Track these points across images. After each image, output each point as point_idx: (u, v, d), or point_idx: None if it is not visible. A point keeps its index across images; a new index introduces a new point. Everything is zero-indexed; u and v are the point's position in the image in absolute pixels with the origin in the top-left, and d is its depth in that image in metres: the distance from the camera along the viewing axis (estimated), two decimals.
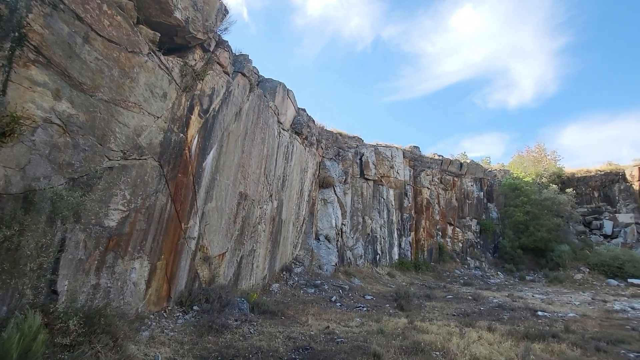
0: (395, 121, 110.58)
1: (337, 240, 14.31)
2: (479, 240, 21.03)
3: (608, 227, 21.98)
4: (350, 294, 10.76)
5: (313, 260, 12.78)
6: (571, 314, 8.90)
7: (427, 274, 16.70)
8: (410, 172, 19.30)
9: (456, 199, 20.81)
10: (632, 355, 5.25)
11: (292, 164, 11.42)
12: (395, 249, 17.08)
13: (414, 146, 21.77)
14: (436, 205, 19.61)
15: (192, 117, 6.38)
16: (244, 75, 8.24)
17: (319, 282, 11.14)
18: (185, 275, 6.42)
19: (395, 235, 17.31)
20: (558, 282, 16.40)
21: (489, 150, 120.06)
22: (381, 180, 17.35)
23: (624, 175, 23.53)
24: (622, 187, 23.30)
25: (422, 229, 18.49)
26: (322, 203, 14.57)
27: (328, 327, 6.30)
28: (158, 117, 5.53)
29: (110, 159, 4.65)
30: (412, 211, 18.60)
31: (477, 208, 21.87)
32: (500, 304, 10.05)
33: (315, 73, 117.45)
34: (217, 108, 7.13)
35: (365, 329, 6.40)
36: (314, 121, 14.19)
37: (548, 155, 29.18)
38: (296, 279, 11.02)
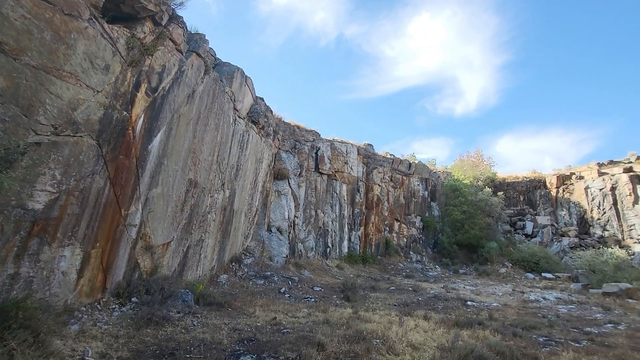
0: (352, 118, 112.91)
1: (289, 233, 14.27)
2: (421, 236, 22.36)
3: (529, 227, 24.66)
4: (299, 286, 10.82)
5: (264, 252, 12.63)
6: (495, 304, 9.84)
7: (374, 267, 17.37)
8: (363, 168, 19.83)
9: (404, 197, 21.85)
10: (541, 339, 5.95)
11: (247, 154, 11.10)
12: (345, 243, 17.51)
13: (368, 144, 22.38)
14: (386, 201, 20.42)
15: (138, 94, 5.87)
16: (199, 55, 7.77)
17: (269, 273, 11.05)
18: (124, 265, 5.95)
19: (346, 229, 17.73)
20: (486, 275, 18.05)
21: (435, 153, 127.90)
22: (335, 175, 17.60)
23: (544, 182, 26.52)
24: (542, 193, 26.26)
25: (371, 224, 19.16)
26: (275, 195, 14.41)
27: (275, 318, 6.27)
28: (98, 92, 4.99)
29: (37, 134, 4.10)
30: (363, 206, 19.16)
31: (422, 206, 23.19)
32: (436, 295, 10.79)
33: (276, 63, 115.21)
34: (167, 88, 6.64)
35: (311, 319, 6.48)
36: (271, 111, 13.91)
37: (485, 161, 31.87)
38: (246, 270, 10.80)
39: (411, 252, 20.88)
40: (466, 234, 21.70)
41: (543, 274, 17.79)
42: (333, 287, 11.27)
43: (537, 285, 15.27)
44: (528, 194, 27.13)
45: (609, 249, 17.83)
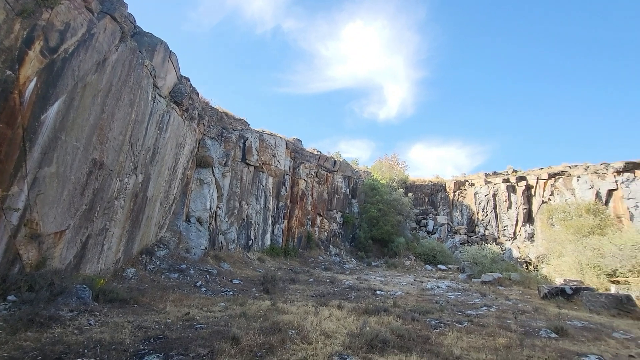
0: (283, 112, 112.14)
1: (210, 224, 13.56)
2: (341, 230, 23.46)
3: (430, 225, 27.86)
4: (217, 279, 10.38)
5: (180, 243, 11.77)
6: (399, 293, 10.87)
7: (295, 260, 17.63)
8: (290, 162, 19.88)
9: (327, 193, 22.59)
10: (433, 322, 6.78)
11: (166, 136, 10.15)
12: (268, 235, 17.38)
13: (297, 139, 22.52)
14: (310, 196, 20.84)
15: (30, 52, 4.88)
16: (114, 19, 6.80)
17: (185, 266, 10.34)
18: None
19: (270, 222, 17.60)
20: (394, 267, 19.84)
21: (358, 153, 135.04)
22: (262, 167, 17.29)
23: (445, 187, 30.21)
24: (443, 196, 29.88)
25: (295, 218, 19.36)
26: (197, 183, 13.52)
27: (188, 313, 5.90)
28: None
29: None
30: (288, 200, 19.24)
31: (343, 202, 24.30)
32: (350, 286, 11.46)
33: (208, 45, 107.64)
34: (70, 50, 5.66)
35: (228, 313, 6.27)
36: (198, 94, 12.98)
37: (400, 164, 34.86)
38: (158, 263, 9.92)
39: (331, 246, 21.76)
40: (380, 230, 23.50)
41: (439, 266, 20.30)
42: (253, 280, 11.10)
43: (434, 275, 17.36)
44: (432, 196, 30.60)
45: (488, 245, 21.22)
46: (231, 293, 8.79)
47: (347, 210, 24.60)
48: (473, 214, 27.56)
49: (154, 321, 5.18)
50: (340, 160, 25.81)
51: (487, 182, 27.60)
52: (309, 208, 20.70)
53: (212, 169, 14.19)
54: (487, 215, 26.79)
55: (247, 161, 16.31)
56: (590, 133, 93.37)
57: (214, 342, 4.29)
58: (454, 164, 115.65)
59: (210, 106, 15.45)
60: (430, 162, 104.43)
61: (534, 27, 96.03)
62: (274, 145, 18.15)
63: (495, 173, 28.43)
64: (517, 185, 26.11)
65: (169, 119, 10.20)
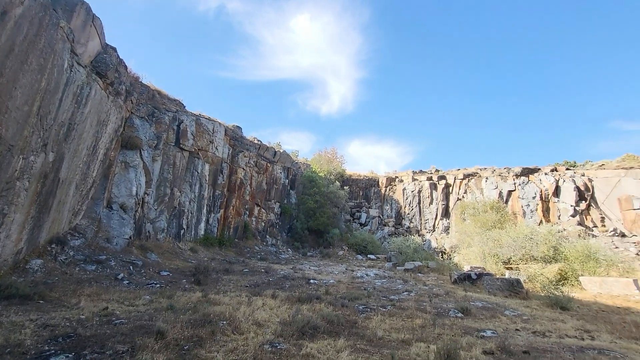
0: (224, 97, 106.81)
1: (136, 211, 12.40)
2: (278, 221, 23.41)
3: (363, 217, 29.37)
4: (143, 271, 9.60)
5: (100, 232, 10.57)
6: (331, 281, 11.31)
7: (230, 250, 17.12)
8: (229, 150, 19.10)
9: (266, 183, 22.29)
10: (360, 307, 7.22)
11: (85, 111, 8.94)
12: (202, 225, 16.55)
13: (237, 126, 21.70)
14: (248, 186, 20.33)
15: None
16: None
17: (104, 257, 9.34)
18: None
19: (205, 210, 16.76)
20: (328, 257, 20.53)
21: (299, 145, 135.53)
22: (198, 153, 16.31)
23: (378, 182, 32.01)
24: (375, 190, 31.65)
25: (232, 207, 18.74)
26: (122, 166, 12.22)
27: (107, 308, 5.37)
28: None
29: None
30: (225, 189, 18.52)
31: (282, 193, 24.24)
32: (285, 275, 11.56)
33: (141, 16, 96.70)
34: None
35: (153, 306, 5.87)
36: (126, 67, 11.67)
37: (338, 158, 35.91)
38: (72, 253, 8.79)
39: (267, 236, 21.60)
40: (316, 221, 24.04)
41: (369, 256, 21.56)
42: (184, 271, 10.51)
43: (364, 264, 18.39)
44: (366, 190, 32.21)
45: (412, 237, 23.19)
46: (158, 285, 8.22)
47: (286, 201, 24.62)
48: (401, 208, 29.74)
49: (63, 318, 4.61)
50: (281, 151, 25.62)
51: (414, 180, 29.96)
52: (247, 198, 20.22)
53: (141, 152, 12.96)
54: (412, 209, 29.15)
55: (181, 145, 15.23)
56: (499, 140, 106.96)
57: (136, 338, 3.99)
58: (387, 161, 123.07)
59: (141, 82, 14.02)
60: (366, 158, 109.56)
61: (465, 45, 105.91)
62: (212, 131, 17.24)
63: (421, 171, 30.98)
64: (438, 183, 28.86)
65: (90, 92, 8.99)
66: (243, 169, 19.85)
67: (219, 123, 18.20)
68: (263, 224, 21.65)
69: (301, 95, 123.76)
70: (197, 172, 16.23)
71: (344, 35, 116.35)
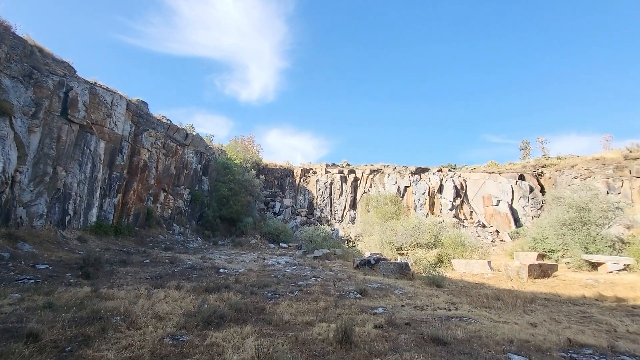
0: (128, 67, 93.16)
1: (3, 192, 10.05)
2: (187, 208, 21.83)
3: (277, 207, 29.59)
4: (10, 264, 7.89)
5: None
6: (242, 269, 11.17)
7: (129, 239, 15.31)
8: (132, 128, 16.90)
9: (175, 167, 20.49)
10: (270, 294, 7.36)
11: None
12: (95, 211, 14.34)
13: (142, 101, 19.32)
14: (154, 169, 18.38)
15: None
16: None
17: None
18: None
19: (98, 194, 14.53)
20: (240, 245, 20.12)
21: (215, 129, 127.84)
22: (92, 128, 14.00)
23: (293, 172, 32.56)
24: (290, 181, 32.15)
25: (132, 192, 16.69)
26: None
27: None
28: None
29: None
30: (125, 171, 16.38)
31: (193, 179, 22.62)
32: (192, 265, 10.94)
33: None
34: None
35: (25, 305, 4.94)
36: None
37: (255, 146, 35.24)
38: None
39: (174, 224, 19.98)
40: (230, 209, 23.22)
41: (281, 244, 21.89)
42: (69, 264, 9.01)
43: (275, 253, 18.62)
44: (281, 180, 32.43)
45: (322, 226, 24.39)
46: (32, 281, 6.90)
47: (197, 188, 23.09)
48: (313, 198, 30.88)
49: None
50: (194, 133, 23.82)
51: (327, 172, 31.38)
52: (152, 182, 18.29)
53: (11, 119, 10.50)
54: (324, 200, 30.57)
55: (69, 117, 12.85)
56: (402, 140, 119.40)
57: None
58: (303, 153, 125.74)
59: (14, 33, 11.28)
60: (284, 148, 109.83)
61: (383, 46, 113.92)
62: (110, 103, 14.97)
63: (334, 165, 32.63)
64: (348, 177, 30.88)
65: None
66: (148, 150, 17.83)
67: (120, 95, 15.92)
68: (170, 211, 19.93)
69: (219, 77, 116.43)
70: (90, 150, 13.96)
71: (269, 22, 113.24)
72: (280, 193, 31.44)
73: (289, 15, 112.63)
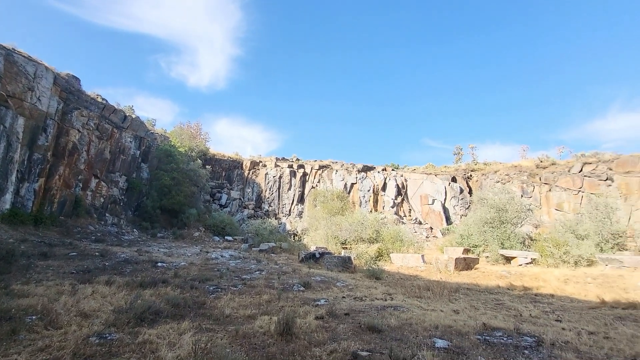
0: (59, 38, 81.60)
1: None
2: (123, 197, 20.00)
3: (224, 199, 28.58)
4: None
5: None
6: (183, 263, 10.62)
7: (52, 230, 13.57)
8: (59, 104, 14.92)
9: (110, 152, 18.61)
10: (211, 288, 7.13)
11: None
12: (9, 196, 12.43)
13: (73, 76, 17.20)
14: (85, 152, 16.48)
15: None
16: None
17: None
18: None
19: (14, 178, 12.60)
20: (182, 238, 19.05)
21: (158, 114, 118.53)
22: (7, 101, 12.07)
23: (242, 164, 31.68)
24: (239, 173, 31.24)
25: (58, 177, 14.78)
26: None
27: None
28: None
29: None
30: (50, 153, 14.43)
31: (131, 165, 20.78)
32: (126, 259, 10.10)
33: None
34: None
35: None
36: None
37: (202, 135, 33.49)
38: None
39: (107, 214, 18.19)
40: (172, 200, 21.80)
41: (226, 237, 21.21)
42: None
43: (220, 246, 18.00)
44: (229, 171, 31.34)
45: (269, 220, 24.17)
46: None
47: (135, 175, 21.25)
48: (262, 192, 30.41)
49: None
50: (133, 116, 21.86)
51: (276, 166, 31.09)
52: (82, 167, 16.40)
53: None
54: (272, 194, 30.27)
55: None
56: (352, 138, 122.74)
57: None
58: (254, 145, 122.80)
59: None
60: (233, 139, 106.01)
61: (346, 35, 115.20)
62: (32, 75, 13.05)
63: (283, 159, 32.44)
64: (297, 171, 30.96)
65: None
66: (79, 130, 15.94)
67: (46, 67, 13.95)
68: (102, 200, 18.09)
69: (166, 58, 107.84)
70: (5, 126, 12.06)
71: (222, 6, 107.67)
72: (228, 185, 30.37)
73: (244, 2, 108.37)
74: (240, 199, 29.42)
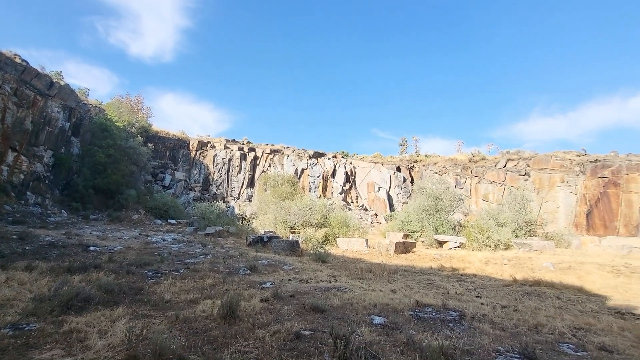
0: None
1: None
2: (49, 174, 17.66)
3: (168, 180, 26.79)
4: None
5: None
6: (119, 247, 9.81)
7: None
8: None
9: (33, 122, 16.18)
10: (150, 273, 6.70)
11: None
12: None
13: None
14: None
15: None
16: None
17: None
18: None
19: None
20: (118, 221, 17.52)
21: (94, 83, 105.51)
22: None
23: (189, 144, 29.87)
24: (185, 153, 29.44)
25: None
26: None
27: None
28: None
29: None
30: None
31: (58, 139, 18.34)
32: (52, 242, 9.03)
33: None
34: None
35: None
36: None
37: (144, 110, 30.70)
38: None
39: (29, 193, 15.95)
40: (107, 179, 19.82)
41: (169, 220, 20.01)
42: None
43: (162, 229, 16.94)
44: (174, 151, 29.33)
45: (217, 203, 23.32)
46: None
47: (64, 150, 18.84)
48: (210, 174, 29.08)
49: None
50: (62, 84, 19.18)
51: (226, 147, 29.87)
52: None
53: None
54: (221, 176, 29.13)
55: None
56: (304, 123, 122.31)
57: None
58: (202, 125, 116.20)
59: None
60: (180, 117, 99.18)
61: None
62: None
63: (234, 141, 31.26)
64: (248, 154, 30.13)
65: None
66: None
67: None
68: (22, 177, 15.79)
69: (103, 21, 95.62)
70: None
71: None
72: (172, 165, 28.45)
73: None
74: (185, 180, 27.81)
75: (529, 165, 24.66)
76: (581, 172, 22.53)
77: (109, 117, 22.90)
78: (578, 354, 3.64)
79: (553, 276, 9.11)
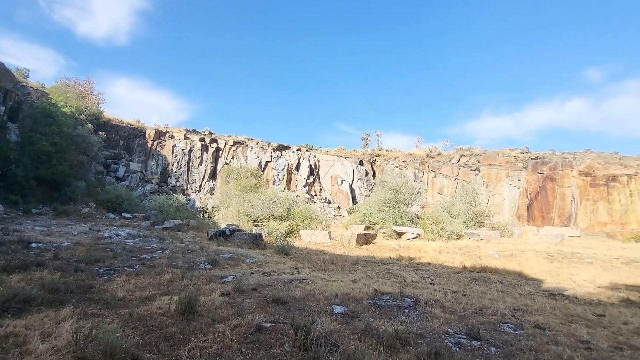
0: None
1: None
2: None
3: (121, 171, 24.99)
4: None
5: None
6: (66, 243, 9.03)
7: None
8: None
9: None
10: (102, 270, 6.27)
11: None
12: None
13: None
14: None
15: None
16: None
17: None
18: None
19: None
20: (66, 215, 16.06)
21: (35, 64, 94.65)
22: None
23: (145, 133, 28.06)
24: (140, 142, 27.63)
25: None
26: None
27: None
28: None
29: None
30: None
31: None
32: None
33: None
34: None
35: None
36: None
37: (94, 95, 28.27)
38: None
39: None
40: (52, 170, 18.00)
41: (123, 214, 18.73)
42: None
43: (115, 224, 15.82)
44: (128, 140, 27.38)
45: (176, 195, 22.27)
46: None
47: None
48: (168, 165, 27.61)
49: None
50: None
51: (186, 138, 28.50)
52: None
53: None
54: (180, 168, 27.79)
55: None
56: (268, 116, 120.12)
57: None
58: (160, 113, 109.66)
59: None
60: (135, 104, 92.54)
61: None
62: None
63: (195, 131, 29.91)
64: (210, 145, 29.03)
65: None
66: None
67: None
68: None
69: None
70: None
71: None
72: (127, 155, 26.56)
73: None
74: (141, 172, 26.15)
75: (479, 161, 26.50)
76: (524, 168, 24.70)
77: (53, 101, 20.69)
78: (516, 332, 4.05)
79: (497, 263, 9.96)
